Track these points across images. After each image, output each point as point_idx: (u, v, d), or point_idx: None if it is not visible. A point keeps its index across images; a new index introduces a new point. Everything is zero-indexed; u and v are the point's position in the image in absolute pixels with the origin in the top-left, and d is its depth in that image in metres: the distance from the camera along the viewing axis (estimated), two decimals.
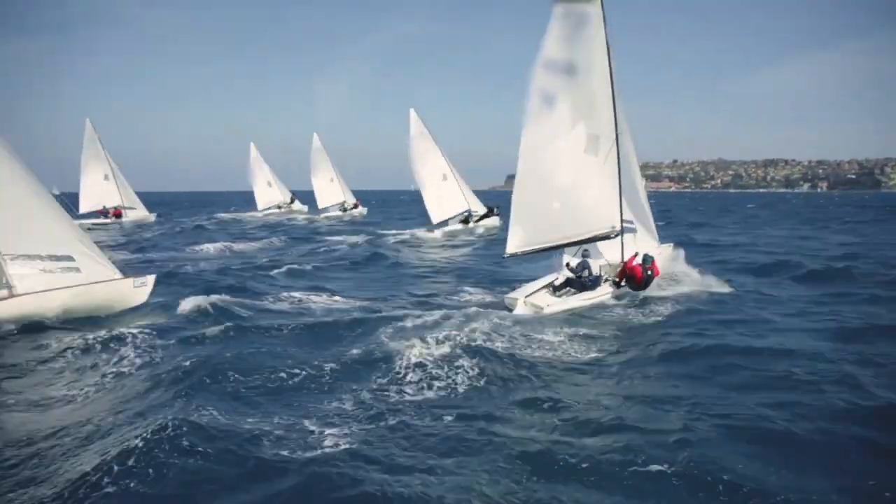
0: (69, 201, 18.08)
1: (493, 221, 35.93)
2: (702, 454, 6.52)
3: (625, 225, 15.46)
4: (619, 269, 15.14)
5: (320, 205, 51.05)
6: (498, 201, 38.78)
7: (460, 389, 8.59)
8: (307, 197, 54.16)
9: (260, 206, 53.72)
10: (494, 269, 20.49)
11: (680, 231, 34.98)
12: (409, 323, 12.05)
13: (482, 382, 8.87)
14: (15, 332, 12.20)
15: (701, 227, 43.40)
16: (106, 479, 5.86)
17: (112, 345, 11.09)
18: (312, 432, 7.10)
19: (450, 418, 7.52)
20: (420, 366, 9.27)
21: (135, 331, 11.86)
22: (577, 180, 15.10)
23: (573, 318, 13.06)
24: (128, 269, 15.58)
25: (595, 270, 14.85)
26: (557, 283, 14.85)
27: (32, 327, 12.35)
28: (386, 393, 8.41)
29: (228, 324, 12.24)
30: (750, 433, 7.06)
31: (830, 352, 10.19)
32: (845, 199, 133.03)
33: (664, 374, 9.41)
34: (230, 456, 6.41)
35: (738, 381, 8.93)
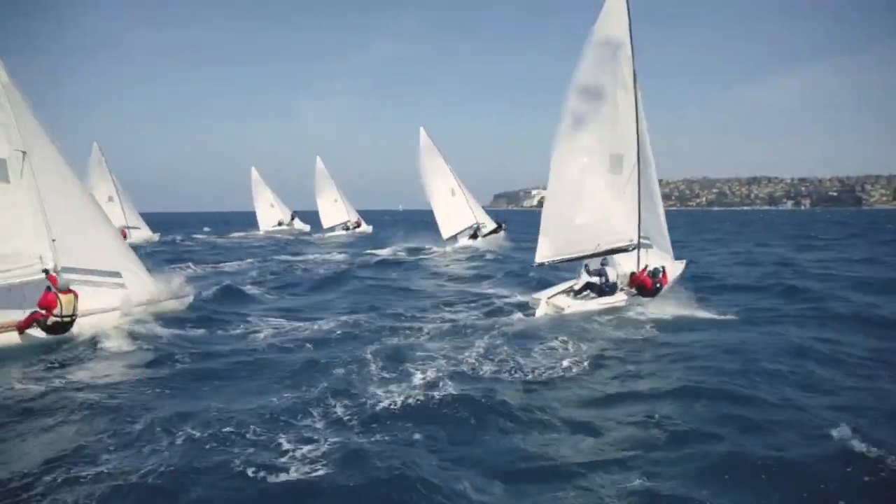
0: None
1: (501, 236, 37.27)
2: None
3: (642, 240, 16.53)
4: (631, 278, 16.32)
5: (325, 225, 52.33)
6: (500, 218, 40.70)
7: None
8: (312, 217, 55.33)
9: (262, 226, 54.80)
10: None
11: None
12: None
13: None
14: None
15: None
16: None
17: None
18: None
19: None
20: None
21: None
22: (600, 197, 16.17)
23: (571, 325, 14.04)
24: None
25: (612, 278, 15.91)
26: (577, 287, 16.10)
27: None
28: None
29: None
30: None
31: None
32: (813, 216, 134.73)
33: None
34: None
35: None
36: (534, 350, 11.86)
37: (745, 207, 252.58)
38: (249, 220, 59.53)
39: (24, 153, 13.32)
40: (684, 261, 19.46)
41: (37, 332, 12.76)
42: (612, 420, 8.28)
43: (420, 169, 36.56)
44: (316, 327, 14.46)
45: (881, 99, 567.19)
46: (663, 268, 16.27)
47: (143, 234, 45.52)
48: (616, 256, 16.62)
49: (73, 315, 12.83)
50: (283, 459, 6.95)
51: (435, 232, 37.20)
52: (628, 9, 15.65)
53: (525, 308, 15.82)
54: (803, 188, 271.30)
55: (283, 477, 6.53)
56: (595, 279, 15.88)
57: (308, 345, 12.69)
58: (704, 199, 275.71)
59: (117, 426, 8.12)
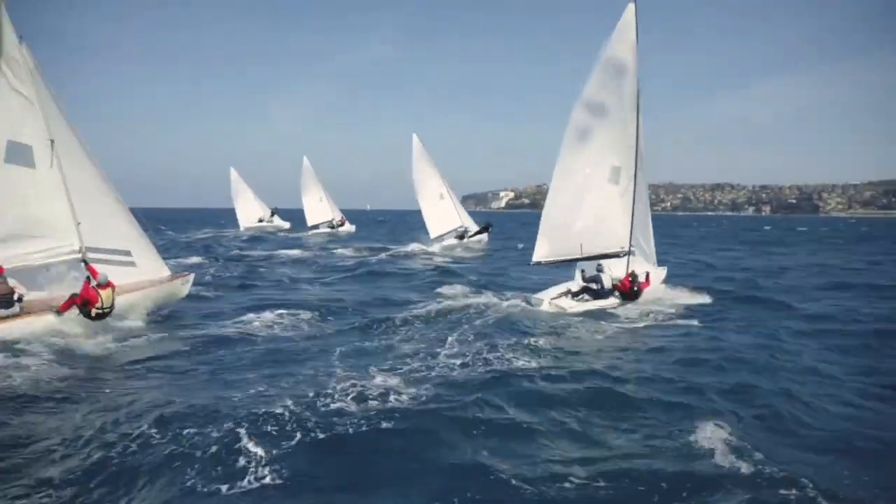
0: None
1: (484, 237, 39.21)
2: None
3: (631, 247, 17.69)
4: (618, 283, 17.25)
5: (309, 223, 53.04)
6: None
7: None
8: (297, 215, 55.89)
9: (242, 223, 55.25)
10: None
11: None
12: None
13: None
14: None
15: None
16: None
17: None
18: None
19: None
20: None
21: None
22: (598, 205, 17.27)
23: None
24: None
25: (606, 283, 16.89)
26: (574, 289, 17.04)
27: None
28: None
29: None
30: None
31: None
32: (761, 222, 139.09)
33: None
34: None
35: None
36: (518, 345, 12.15)
37: (709, 213, 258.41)
38: (229, 217, 59.70)
39: (52, 141, 13.90)
40: (665, 267, 20.70)
41: (73, 315, 13.32)
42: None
43: (412, 174, 38.09)
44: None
45: (838, 114, 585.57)
46: (647, 274, 17.28)
47: None
48: (608, 263, 17.53)
49: (111, 306, 13.53)
50: (240, 464, 6.81)
51: (415, 231, 38.52)
52: (637, 33, 16.70)
53: (526, 305, 16.55)
54: (764, 195, 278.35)
55: (238, 485, 6.43)
56: (591, 284, 16.83)
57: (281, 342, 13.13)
58: (669, 203, 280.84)
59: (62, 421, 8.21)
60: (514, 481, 6.46)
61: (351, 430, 7.61)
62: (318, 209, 52.96)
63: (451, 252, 35.59)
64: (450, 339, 12.59)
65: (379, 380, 9.56)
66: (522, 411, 8.48)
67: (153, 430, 7.59)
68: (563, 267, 18.17)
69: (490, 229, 40.18)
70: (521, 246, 35.90)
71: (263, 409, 8.11)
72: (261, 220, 55.85)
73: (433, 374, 10.16)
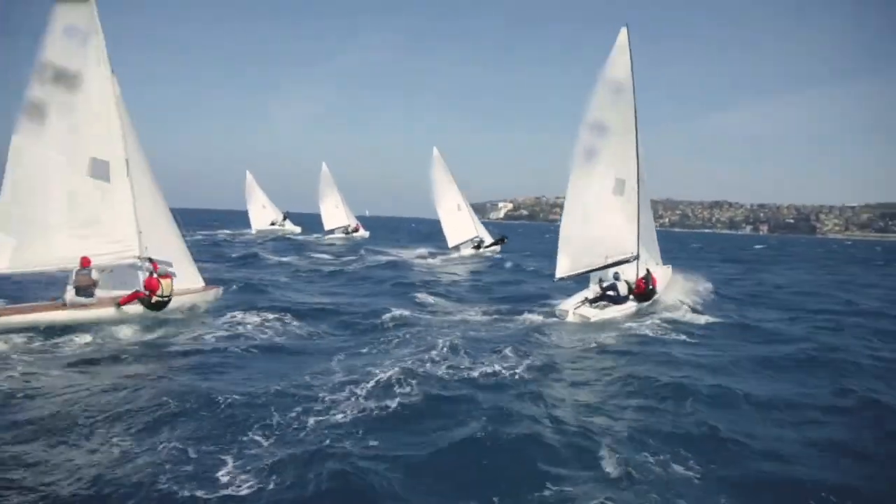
0: None
1: (498, 249, 41.66)
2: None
3: (639, 252, 19.31)
4: (633, 287, 18.82)
5: (326, 227, 55.15)
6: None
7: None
8: (313, 219, 57.76)
9: (254, 226, 56.89)
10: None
11: None
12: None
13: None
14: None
15: None
16: None
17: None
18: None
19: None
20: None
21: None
22: (608, 216, 18.97)
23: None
24: None
25: (623, 290, 18.36)
26: (591, 297, 18.41)
27: None
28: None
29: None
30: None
31: None
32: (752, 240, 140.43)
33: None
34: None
35: None
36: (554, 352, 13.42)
37: (706, 230, 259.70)
38: (242, 219, 61.43)
39: (127, 161, 15.80)
40: (669, 266, 22.20)
41: (134, 308, 15.23)
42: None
43: (431, 183, 40.50)
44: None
45: (837, 136, 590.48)
46: (647, 270, 18.87)
47: None
48: (622, 268, 18.97)
49: (170, 296, 15.31)
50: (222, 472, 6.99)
51: (427, 241, 40.31)
52: (631, 56, 18.65)
53: (550, 315, 17.77)
54: (762, 214, 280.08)
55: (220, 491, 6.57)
56: (609, 292, 18.18)
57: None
58: (668, 219, 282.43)
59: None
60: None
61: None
62: (335, 215, 55.15)
63: (469, 260, 37.83)
64: (505, 349, 13.19)
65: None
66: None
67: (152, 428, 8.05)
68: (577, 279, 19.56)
69: (505, 241, 42.83)
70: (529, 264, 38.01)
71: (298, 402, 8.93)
72: (273, 224, 57.59)
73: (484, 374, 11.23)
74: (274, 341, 13.99)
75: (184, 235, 17.99)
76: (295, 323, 15.95)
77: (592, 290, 18.81)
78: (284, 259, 33.89)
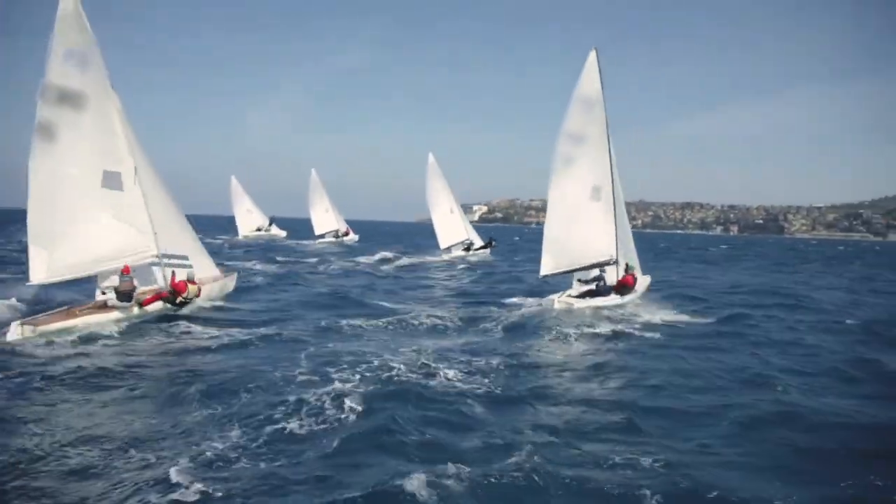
0: None
1: (487, 251, 43.92)
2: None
3: (619, 258, 21.13)
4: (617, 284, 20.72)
5: (317, 232, 56.62)
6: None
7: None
8: (304, 224, 59.28)
9: (241, 231, 58.17)
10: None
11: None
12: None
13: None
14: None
15: None
16: None
17: None
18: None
19: None
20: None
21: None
22: (586, 220, 20.89)
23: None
24: None
25: (609, 280, 20.31)
26: (574, 294, 20.39)
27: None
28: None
29: None
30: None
31: None
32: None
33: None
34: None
35: None
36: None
37: (678, 231, 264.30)
38: (228, 224, 62.61)
39: (136, 168, 17.32)
40: (649, 276, 23.68)
41: (154, 307, 16.95)
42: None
43: (426, 188, 42.72)
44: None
45: (803, 137, 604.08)
46: (627, 264, 20.68)
47: None
48: (607, 272, 20.61)
49: (192, 298, 17.37)
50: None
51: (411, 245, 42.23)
52: (600, 74, 20.65)
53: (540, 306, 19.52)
54: (732, 215, 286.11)
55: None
56: (599, 283, 20.12)
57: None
58: (640, 221, 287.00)
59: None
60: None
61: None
62: (325, 220, 56.75)
63: (463, 261, 39.81)
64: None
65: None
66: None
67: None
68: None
69: (493, 244, 45.08)
70: (517, 258, 40.77)
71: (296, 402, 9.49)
72: (259, 229, 58.92)
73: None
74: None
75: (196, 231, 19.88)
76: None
77: (576, 289, 20.81)
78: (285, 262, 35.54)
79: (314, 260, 37.78)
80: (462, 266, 36.76)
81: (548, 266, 20.90)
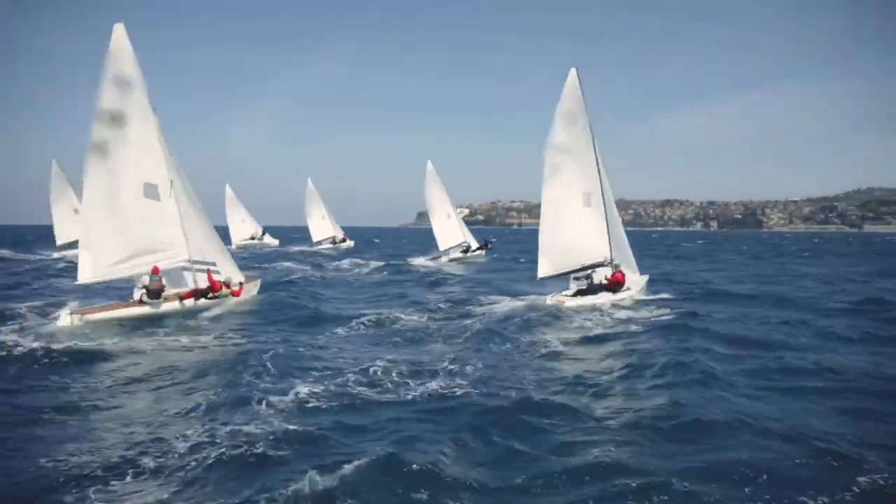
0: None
1: (483, 253, 45.94)
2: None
3: (614, 260, 22.47)
4: (606, 282, 22.22)
5: (314, 239, 57.87)
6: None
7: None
8: (302, 232, 60.42)
9: (234, 240, 58.98)
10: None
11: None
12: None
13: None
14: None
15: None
16: None
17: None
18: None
19: None
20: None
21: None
22: (579, 224, 22.32)
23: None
24: None
25: (597, 279, 21.77)
26: (569, 293, 21.81)
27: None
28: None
29: None
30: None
31: None
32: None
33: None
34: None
35: None
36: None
37: (659, 228, 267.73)
38: (222, 233, 63.37)
39: (171, 181, 19.12)
40: (647, 276, 25.17)
41: (189, 302, 18.71)
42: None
43: (425, 194, 44.70)
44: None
45: (779, 133, 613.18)
46: (616, 264, 21.96)
47: None
48: (598, 271, 22.06)
49: (222, 296, 19.19)
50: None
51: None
52: (581, 90, 22.14)
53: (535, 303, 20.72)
54: (711, 211, 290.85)
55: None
56: (584, 284, 21.67)
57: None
58: (621, 219, 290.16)
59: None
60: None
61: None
62: (322, 227, 57.95)
63: (460, 264, 41.52)
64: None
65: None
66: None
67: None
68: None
69: (489, 246, 47.08)
70: (522, 259, 42.76)
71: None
72: (252, 238, 59.94)
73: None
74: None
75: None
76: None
77: (572, 289, 22.20)
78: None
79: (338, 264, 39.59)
80: (450, 268, 38.21)
81: (545, 268, 22.39)
